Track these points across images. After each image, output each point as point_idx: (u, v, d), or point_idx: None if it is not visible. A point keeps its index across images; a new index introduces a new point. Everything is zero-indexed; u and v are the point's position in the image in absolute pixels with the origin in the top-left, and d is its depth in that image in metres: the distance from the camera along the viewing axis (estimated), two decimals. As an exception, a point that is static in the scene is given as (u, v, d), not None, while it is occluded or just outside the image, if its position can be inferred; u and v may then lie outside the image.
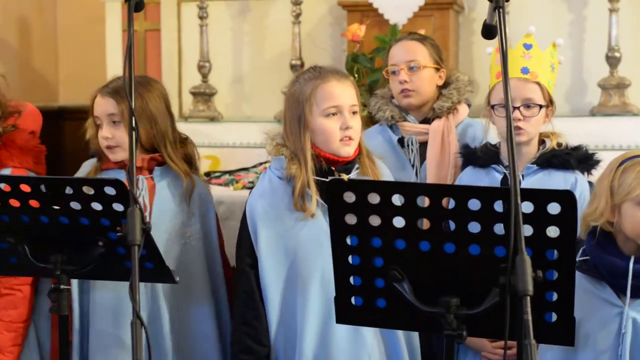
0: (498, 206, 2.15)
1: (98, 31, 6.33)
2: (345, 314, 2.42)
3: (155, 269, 2.61)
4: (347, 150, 2.91)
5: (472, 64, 5.13)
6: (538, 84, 3.12)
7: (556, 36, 3.36)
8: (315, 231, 2.82)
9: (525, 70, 3.13)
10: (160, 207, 3.12)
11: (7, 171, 3.23)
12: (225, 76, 5.55)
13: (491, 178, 3.17)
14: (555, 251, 2.18)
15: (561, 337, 2.28)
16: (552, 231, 2.17)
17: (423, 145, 3.54)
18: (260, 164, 4.80)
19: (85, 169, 3.59)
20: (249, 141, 5.19)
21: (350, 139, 2.90)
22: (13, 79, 6.80)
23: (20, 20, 6.97)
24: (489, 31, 2.40)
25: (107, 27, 5.80)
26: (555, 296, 2.23)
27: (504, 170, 3.16)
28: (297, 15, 5.24)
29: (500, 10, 2.24)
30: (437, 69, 3.56)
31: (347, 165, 2.92)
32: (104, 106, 3.10)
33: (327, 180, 2.66)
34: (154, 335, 3.06)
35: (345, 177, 2.80)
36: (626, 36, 4.91)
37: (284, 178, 2.91)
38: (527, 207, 2.13)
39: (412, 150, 3.51)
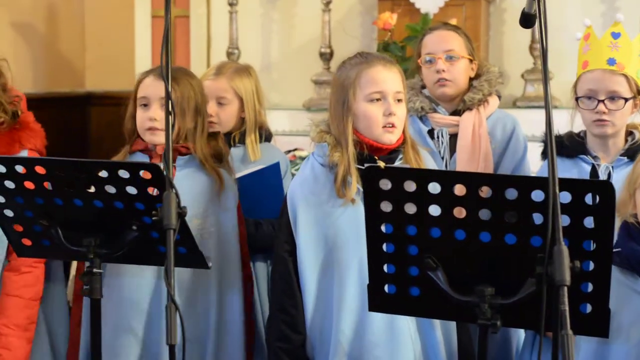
0: (535, 196, 2.14)
1: (125, 17, 6.35)
2: (378, 301, 2.42)
3: (188, 253, 2.60)
4: (390, 138, 2.87)
5: (502, 54, 5.12)
6: (625, 75, 3.04)
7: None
8: (355, 219, 2.78)
9: (611, 62, 3.04)
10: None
11: (24, 153, 3.23)
12: (254, 63, 5.47)
13: (579, 168, 3.11)
14: (592, 242, 2.17)
15: (596, 328, 2.26)
16: (590, 222, 2.16)
17: (453, 137, 3.51)
18: (289, 151, 4.80)
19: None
20: (277, 129, 5.18)
21: (393, 126, 2.86)
22: (40, 64, 6.85)
23: (48, 5, 6.99)
24: (527, 20, 2.38)
25: (137, 13, 5.81)
26: (590, 287, 2.21)
27: (592, 161, 3.10)
28: (327, 3, 5.24)
29: (541, -1, 2.23)
30: (471, 61, 3.54)
31: (390, 154, 2.89)
32: (158, 88, 3.04)
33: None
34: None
35: (381, 164, 2.78)
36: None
37: (326, 165, 2.88)
38: (564, 197, 2.12)
39: (442, 142, 3.49)
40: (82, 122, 7.22)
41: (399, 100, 2.89)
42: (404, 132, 2.93)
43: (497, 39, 5.16)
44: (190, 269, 2.95)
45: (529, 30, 4.83)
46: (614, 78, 3.05)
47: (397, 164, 2.89)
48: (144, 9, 5.79)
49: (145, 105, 3.10)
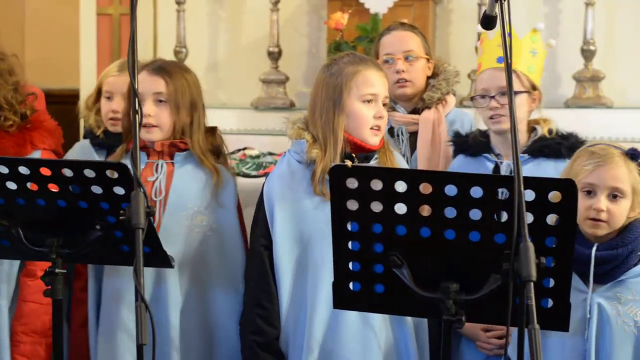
0: (500, 194, 2.19)
1: (68, 14, 6.28)
2: (343, 299, 2.44)
3: (152, 253, 2.60)
4: (375, 140, 2.94)
5: (449, 54, 5.17)
6: (514, 71, 3.13)
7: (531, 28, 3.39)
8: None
9: (500, 60, 3.13)
10: (178, 193, 3.08)
11: (37, 154, 3.20)
12: (201, 62, 5.52)
13: (483, 167, 3.19)
14: (554, 238, 2.23)
15: (556, 322, 2.32)
16: (552, 219, 2.21)
17: (413, 136, 3.57)
18: (238, 150, 4.80)
19: (76, 151, 3.59)
20: (224, 128, 5.12)
21: (379, 129, 2.93)
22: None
23: (-14, 1, 6.89)
24: (488, 21, 2.42)
25: (81, 11, 5.74)
26: (552, 282, 2.27)
27: (495, 159, 3.19)
28: (276, 3, 5.24)
29: (503, 1, 2.28)
30: (428, 60, 3.60)
31: (367, 154, 2.95)
32: (151, 84, 3.05)
33: None
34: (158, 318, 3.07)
35: (348, 163, 2.82)
36: (601, 30, 4.99)
37: (303, 162, 2.93)
38: (528, 195, 2.17)
39: (402, 141, 3.54)
40: (21, 120, 7.11)
41: (384, 105, 2.97)
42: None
43: (444, 40, 5.22)
44: (193, 269, 3.02)
45: (475, 31, 4.90)
46: (503, 74, 3.10)
47: (373, 163, 2.94)
48: (88, 7, 5.71)
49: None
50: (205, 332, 3.12)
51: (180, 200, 3.08)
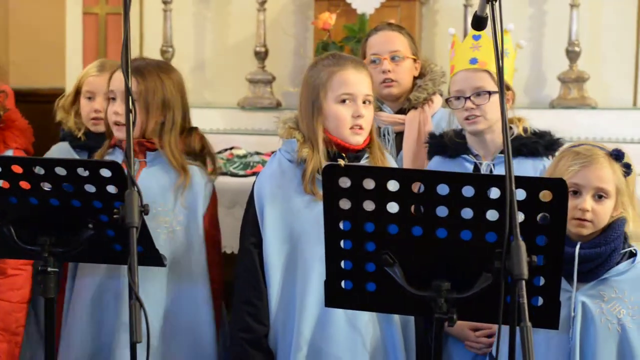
0: (491, 193, 2.22)
1: (54, 13, 6.26)
2: (335, 297, 2.46)
3: (144, 252, 2.61)
4: (357, 139, 2.95)
5: (434, 55, 5.17)
6: (488, 72, 3.17)
7: (516, 30, 3.41)
8: (321, 215, 2.83)
9: (473, 61, 3.20)
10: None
11: (9, 153, 3.19)
12: (187, 62, 5.53)
13: (462, 168, 3.22)
14: (545, 237, 2.25)
15: (546, 320, 2.35)
16: (541, 218, 2.24)
17: (399, 136, 3.60)
18: (225, 150, 4.81)
19: (53, 153, 3.58)
20: (210, 127, 5.18)
21: (360, 128, 2.95)
22: (-41, 60, 6.70)
23: (-31, -1, 6.86)
24: (479, 22, 2.45)
25: (68, 10, 5.72)
26: (542, 281, 2.30)
27: (474, 160, 3.22)
28: (262, 3, 5.26)
29: (494, 2, 2.30)
30: (414, 60, 3.63)
31: (357, 153, 2.97)
32: (122, 82, 2.94)
33: None
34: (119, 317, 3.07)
35: (341, 162, 2.84)
36: (586, 31, 5.03)
37: (294, 161, 2.96)
38: (519, 194, 2.20)
39: (388, 141, 3.57)
40: (5, 119, 7.08)
41: (368, 103, 2.97)
42: (371, 133, 3.00)
43: (429, 40, 5.24)
44: (155, 270, 2.96)
45: (461, 32, 4.93)
46: (477, 75, 3.19)
47: (364, 162, 2.96)
48: (75, 6, 5.70)
49: (113, 98, 3.10)
50: (164, 333, 3.11)
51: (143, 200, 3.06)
